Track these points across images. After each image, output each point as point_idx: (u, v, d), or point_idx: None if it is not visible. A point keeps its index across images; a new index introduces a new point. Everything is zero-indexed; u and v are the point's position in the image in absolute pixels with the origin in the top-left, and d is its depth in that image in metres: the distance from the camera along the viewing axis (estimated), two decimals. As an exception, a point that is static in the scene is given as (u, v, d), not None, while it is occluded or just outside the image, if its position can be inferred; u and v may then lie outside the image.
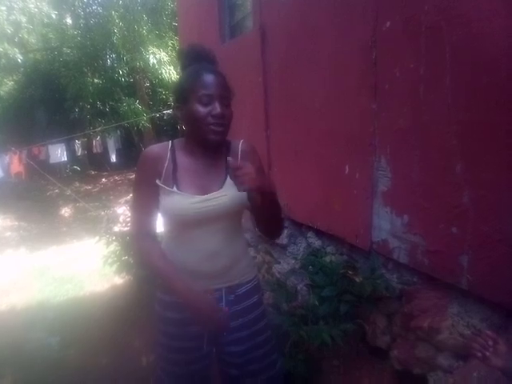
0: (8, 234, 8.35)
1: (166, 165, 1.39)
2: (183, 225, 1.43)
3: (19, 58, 10.80)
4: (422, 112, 1.76)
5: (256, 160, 1.51)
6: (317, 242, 2.71)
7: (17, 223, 9.09)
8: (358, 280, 2.07)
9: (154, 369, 1.69)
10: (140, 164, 1.45)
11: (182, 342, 1.51)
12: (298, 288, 2.61)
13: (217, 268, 1.46)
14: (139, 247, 1.46)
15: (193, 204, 1.36)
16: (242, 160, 1.43)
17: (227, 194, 1.39)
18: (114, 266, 3.99)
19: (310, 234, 2.80)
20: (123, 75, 12.65)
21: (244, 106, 3.45)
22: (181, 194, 1.36)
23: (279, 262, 3.04)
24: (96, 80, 12.92)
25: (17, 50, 10.67)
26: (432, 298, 1.84)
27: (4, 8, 10.10)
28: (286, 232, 2.98)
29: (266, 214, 1.40)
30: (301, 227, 2.93)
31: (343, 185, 2.32)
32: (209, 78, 1.33)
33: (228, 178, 1.40)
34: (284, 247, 3.01)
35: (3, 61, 10.96)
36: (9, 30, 10.31)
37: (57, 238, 7.42)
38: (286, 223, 3.01)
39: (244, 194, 1.37)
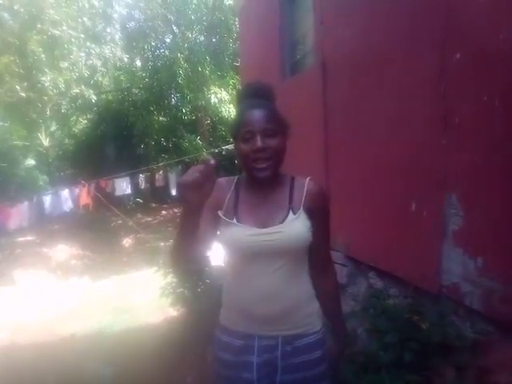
0: (73, 262, 8.75)
1: (228, 196, 1.38)
2: (240, 258, 1.37)
3: (93, 98, 11.66)
4: (497, 146, 1.64)
5: (324, 204, 1.45)
6: (379, 283, 2.57)
7: (82, 252, 9.51)
8: (424, 326, 1.91)
9: None
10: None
11: None
12: (358, 332, 2.46)
13: (274, 311, 1.36)
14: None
15: (249, 236, 1.31)
16: (307, 198, 1.38)
17: (287, 231, 1.33)
18: (170, 298, 4.02)
19: (371, 274, 2.66)
20: (186, 113, 13.29)
21: (304, 143, 3.44)
22: (239, 225, 1.33)
23: (338, 303, 2.90)
24: (161, 118, 13.65)
25: (91, 92, 11.53)
26: (509, 350, 1.65)
27: (83, 54, 11.06)
28: (345, 271, 2.86)
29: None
30: (361, 266, 2.80)
31: (410, 223, 2.20)
32: (252, 114, 1.30)
33: (290, 214, 1.35)
34: (343, 287, 2.88)
35: (79, 101, 11.88)
36: (86, 74, 11.24)
37: (118, 268, 7.65)
38: (346, 262, 2.89)
39: (306, 233, 1.33)
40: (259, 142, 1.27)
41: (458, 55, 1.83)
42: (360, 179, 2.67)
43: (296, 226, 1.33)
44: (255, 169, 1.30)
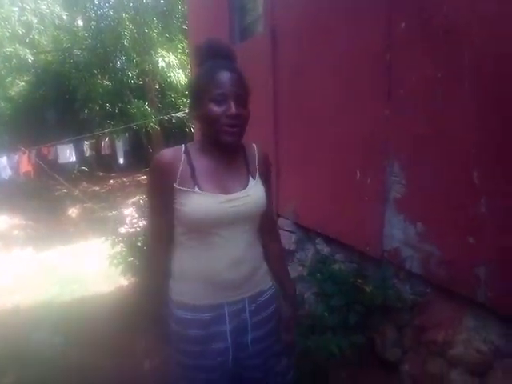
0: (15, 232, 8.35)
1: (180, 168, 1.31)
2: (206, 228, 1.33)
3: (30, 58, 10.81)
4: (439, 118, 1.70)
5: (269, 167, 1.49)
6: (325, 249, 2.65)
7: (24, 222, 9.09)
8: (368, 289, 2.01)
9: None
10: (152, 169, 1.37)
11: (205, 360, 1.39)
12: (305, 296, 2.55)
13: (241, 275, 1.38)
14: (152, 252, 1.42)
15: (219, 204, 1.29)
16: (259, 164, 1.42)
17: (251, 195, 1.35)
18: (120, 268, 3.96)
19: (318, 240, 2.74)
20: (132, 77, 12.69)
21: (252, 111, 3.40)
22: (204, 194, 1.29)
23: (286, 269, 2.97)
24: (106, 82, 12.96)
25: (28, 51, 10.68)
26: (446, 310, 1.77)
27: (16, 9, 10.12)
28: (293, 238, 2.93)
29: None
30: (309, 233, 2.87)
31: (354, 190, 2.27)
32: (223, 76, 1.27)
33: (251, 179, 1.37)
34: (291, 253, 2.95)
35: (14, 61, 10.98)
36: (20, 31, 10.35)
37: (63, 238, 7.39)
38: (294, 229, 2.95)
39: (265, 198, 1.37)
40: (233, 109, 1.25)
41: (403, 24, 1.85)
42: (307, 147, 2.70)
43: (257, 191, 1.36)
44: (226, 132, 1.27)
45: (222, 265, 1.34)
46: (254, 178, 1.38)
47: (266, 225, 1.47)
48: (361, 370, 2.18)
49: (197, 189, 1.29)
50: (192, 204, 1.29)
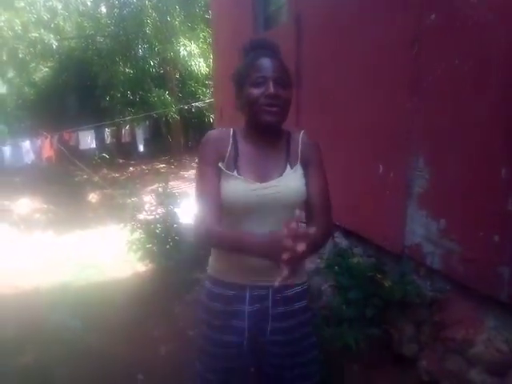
0: (36, 216, 8.53)
1: (228, 149, 1.36)
2: (238, 212, 1.36)
3: (54, 44, 10.93)
4: (466, 112, 1.66)
5: (318, 156, 1.44)
6: (344, 243, 2.64)
7: (45, 206, 9.26)
8: (386, 284, 1.99)
9: (192, 360, 1.63)
10: (204, 146, 1.40)
11: (223, 335, 1.45)
12: (322, 288, 2.54)
13: (268, 263, 1.29)
14: (207, 230, 1.34)
15: (252, 191, 1.31)
16: (302, 151, 1.39)
17: (285, 184, 1.34)
18: (138, 254, 4.02)
19: (337, 233, 2.72)
20: (154, 66, 12.75)
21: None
22: (241, 179, 1.32)
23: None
24: (127, 69, 13.06)
25: (52, 36, 10.80)
26: (466, 308, 1.75)
27: (41, -6, 10.26)
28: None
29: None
30: (328, 226, 2.85)
31: (376, 184, 2.24)
32: (264, 61, 1.31)
33: (288, 168, 1.37)
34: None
35: (39, 47, 11.14)
36: (45, 17, 10.47)
37: (83, 223, 7.52)
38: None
39: (303, 187, 1.35)
40: (272, 88, 1.27)
41: (433, 16, 1.81)
42: (330, 139, 2.67)
43: (293, 180, 1.34)
44: (266, 111, 1.29)
45: None
46: (292, 166, 1.37)
47: (311, 215, 1.39)
48: (376, 363, 2.17)
49: (235, 173, 1.33)
50: (228, 187, 1.33)
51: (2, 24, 9.49)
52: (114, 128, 11.69)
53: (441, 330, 1.78)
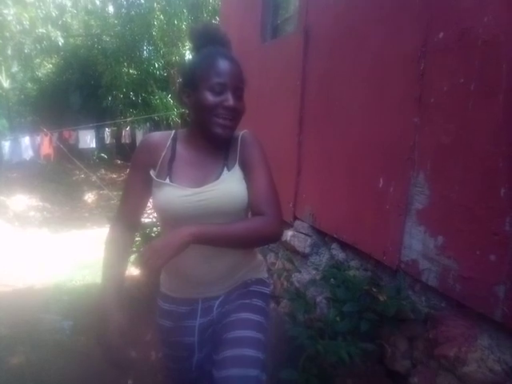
0: (32, 213, 8.52)
1: (163, 154, 1.29)
2: (174, 221, 1.26)
3: (60, 41, 10.99)
4: (468, 130, 1.67)
5: (258, 153, 1.33)
6: (340, 255, 2.63)
7: (41, 204, 9.25)
8: (382, 298, 1.99)
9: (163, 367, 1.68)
10: (136, 151, 1.36)
11: (176, 351, 1.46)
12: (317, 300, 2.53)
13: (217, 273, 1.32)
14: (108, 233, 1.39)
15: (183, 197, 1.23)
16: (240, 152, 1.31)
17: (220, 188, 1.25)
18: (133, 257, 3.99)
19: (334, 245, 2.72)
20: (158, 68, 12.82)
21: (277, 108, 3.40)
22: (172, 185, 1.25)
23: (300, 271, 2.96)
24: (131, 70, 13.12)
25: (59, 33, 10.85)
26: (460, 326, 1.74)
27: (51, -9, 10.33)
28: (308, 241, 2.91)
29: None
30: (325, 237, 2.85)
31: (375, 198, 2.24)
32: (224, 65, 1.22)
33: (225, 170, 1.29)
34: (306, 256, 2.94)
35: (45, 43, 11.18)
36: (54, 13, 10.53)
37: (78, 223, 7.53)
38: (310, 232, 2.93)
39: (242, 190, 1.26)
40: (232, 101, 1.21)
41: (441, 34, 1.82)
42: (331, 151, 2.68)
43: (230, 183, 1.27)
44: (219, 125, 1.22)
45: (193, 261, 1.30)
46: (230, 168, 1.29)
47: (258, 213, 1.27)
48: (369, 378, 2.16)
49: (167, 180, 1.26)
50: (159, 195, 1.26)
51: (11, 18, 9.51)
52: (115, 128, 11.72)
53: (434, 347, 1.77)
